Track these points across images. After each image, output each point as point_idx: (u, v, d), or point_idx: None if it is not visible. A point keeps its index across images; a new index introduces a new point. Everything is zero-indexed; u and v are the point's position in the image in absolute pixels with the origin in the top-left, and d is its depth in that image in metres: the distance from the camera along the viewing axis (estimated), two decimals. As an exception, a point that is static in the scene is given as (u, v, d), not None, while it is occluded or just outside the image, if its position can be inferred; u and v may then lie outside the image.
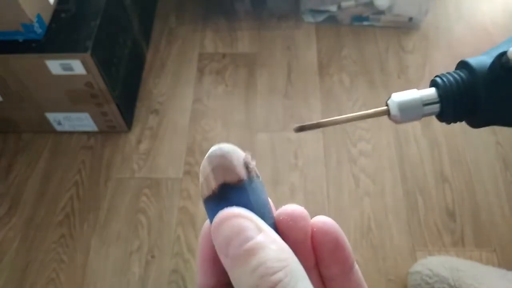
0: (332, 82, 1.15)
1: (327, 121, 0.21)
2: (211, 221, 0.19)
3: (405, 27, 1.24)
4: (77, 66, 0.89)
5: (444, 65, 1.16)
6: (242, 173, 0.19)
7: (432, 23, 1.25)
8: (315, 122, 0.20)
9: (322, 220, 0.19)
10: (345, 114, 0.21)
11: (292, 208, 0.19)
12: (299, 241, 0.19)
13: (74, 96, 0.98)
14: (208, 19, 1.30)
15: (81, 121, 1.05)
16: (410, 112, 0.21)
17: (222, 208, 0.18)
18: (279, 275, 0.15)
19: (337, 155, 1.04)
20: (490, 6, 1.29)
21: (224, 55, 1.22)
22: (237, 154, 0.19)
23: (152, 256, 0.92)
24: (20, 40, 0.89)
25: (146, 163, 1.04)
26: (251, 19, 1.29)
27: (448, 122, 0.22)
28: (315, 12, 1.26)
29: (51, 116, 1.04)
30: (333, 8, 1.22)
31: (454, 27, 1.25)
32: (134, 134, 1.09)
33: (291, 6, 1.29)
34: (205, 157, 0.19)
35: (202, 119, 1.10)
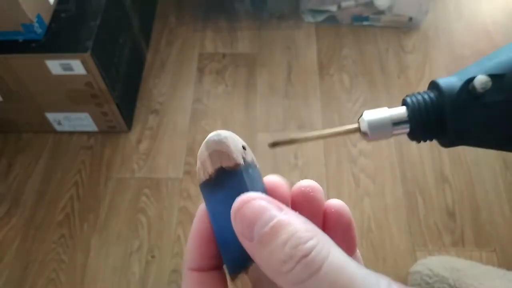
0: (332, 82, 1.15)
1: (300, 137, 0.21)
2: (207, 206, 0.19)
3: (405, 27, 1.24)
4: (77, 66, 0.89)
5: (444, 65, 1.16)
6: (239, 159, 0.18)
7: (432, 23, 1.25)
8: (288, 138, 0.21)
9: (339, 203, 0.21)
10: (317, 131, 0.22)
11: (313, 182, 0.20)
12: (314, 214, 0.19)
13: (74, 96, 0.98)
14: (208, 19, 1.30)
15: (81, 121, 1.05)
16: (379, 131, 0.21)
17: (218, 192, 0.18)
18: (311, 242, 0.15)
19: (337, 155, 1.04)
20: (490, 6, 1.29)
21: (224, 55, 1.22)
22: (235, 140, 0.19)
23: (152, 256, 0.92)
24: (20, 40, 0.89)
25: (146, 163, 1.04)
26: (251, 19, 1.29)
27: (418, 141, 0.22)
28: (315, 12, 1.26)
29: (51, 116, 1.04)
30: (333, 8, 1.22)
31: (454, 27, 1.25)
32: (134, 134, 1.09)
33: (291, 6, 1.29)
34: (203, 142, 0.19)
35: (202, 119, 1.10)
